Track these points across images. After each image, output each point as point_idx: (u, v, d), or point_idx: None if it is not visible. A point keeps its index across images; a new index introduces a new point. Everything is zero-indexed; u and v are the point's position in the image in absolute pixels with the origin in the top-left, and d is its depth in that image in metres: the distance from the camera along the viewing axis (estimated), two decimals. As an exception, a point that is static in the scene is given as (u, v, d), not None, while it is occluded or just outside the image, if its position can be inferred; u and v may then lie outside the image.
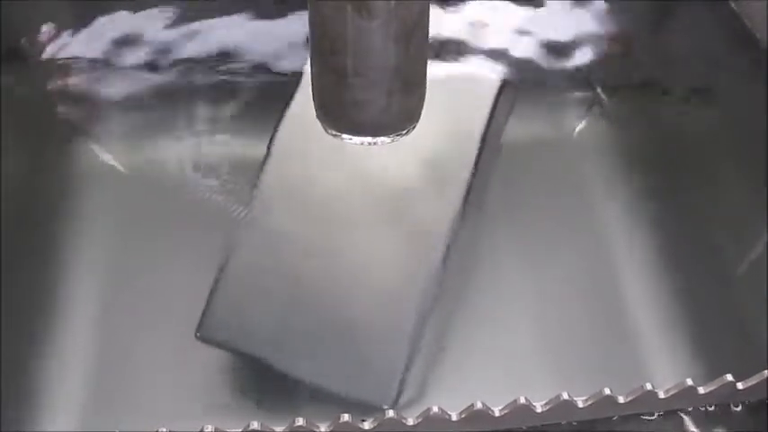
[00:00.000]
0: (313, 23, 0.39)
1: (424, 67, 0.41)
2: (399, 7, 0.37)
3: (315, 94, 0.41)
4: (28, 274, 0.50)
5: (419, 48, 0.39)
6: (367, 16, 0.36)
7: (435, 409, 0.38)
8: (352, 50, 0.38)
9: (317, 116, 0.42)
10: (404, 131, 0.42)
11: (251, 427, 0.37)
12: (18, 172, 0.54)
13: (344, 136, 0.41)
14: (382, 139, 0.41)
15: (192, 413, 0.44)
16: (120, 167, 0.56)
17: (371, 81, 0.39)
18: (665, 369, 0.47)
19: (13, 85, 0.56)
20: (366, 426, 0.38)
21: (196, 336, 0.44)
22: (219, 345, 0.45)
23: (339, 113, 0.41)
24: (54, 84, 0.57)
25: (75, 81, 0.57)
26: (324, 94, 0.41)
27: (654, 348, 0.48)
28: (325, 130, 0.42)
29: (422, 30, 0.39)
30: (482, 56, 0.57)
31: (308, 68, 0.46)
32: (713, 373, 0.41)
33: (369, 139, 0.41)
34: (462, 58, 0.57)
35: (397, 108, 0.41)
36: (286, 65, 0.57)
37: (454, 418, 0.38)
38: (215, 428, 0.37)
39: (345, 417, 0.38)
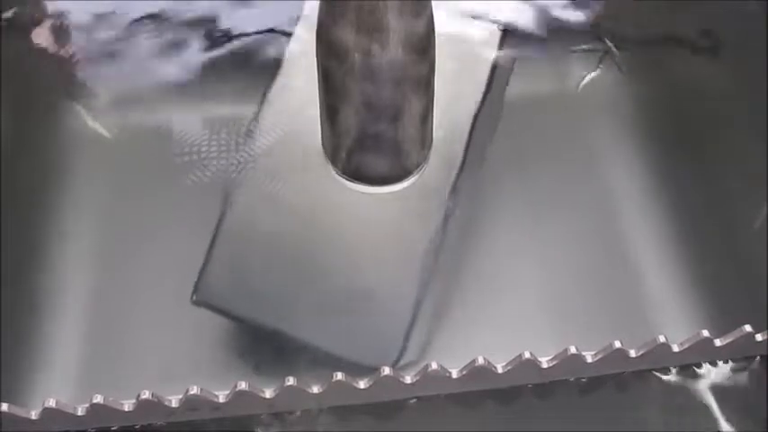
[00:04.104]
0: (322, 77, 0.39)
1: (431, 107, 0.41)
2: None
3: (324, 144, 0.42)
4: (20, 239, 0.49)
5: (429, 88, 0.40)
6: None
7: (434, 365, 0.36)
8: (361, 101, 0.38)
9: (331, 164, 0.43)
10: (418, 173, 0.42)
11: (238, 388, 0.36)
12: (6, 136, 0.52)
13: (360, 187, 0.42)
14: (402, 184, 0.43)
15: (187, 378, 0.43)
16: (107, 132, 0.54)
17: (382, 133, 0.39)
18: (676, 327, 0.44)
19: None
20: (361, 385, 0.36)
21: (192, 300, 0.43)
22: (216, 308, 0.44)
23: (354, 166, 0.42)
24: (40, 46, 0.56)
25: (61, 44, 0.56)
26: (336, 147, 0.41)
27: (664, 307, 0.46)
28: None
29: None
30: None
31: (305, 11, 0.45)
32: (726, 330, 0.39)
33: (387, 188, 0.42)
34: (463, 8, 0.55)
35: (413, 151, 0.41)
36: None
37: (455, 375, 0.36)
38: (201, 389, 0.35)
39: (339, 375, 0.36)
